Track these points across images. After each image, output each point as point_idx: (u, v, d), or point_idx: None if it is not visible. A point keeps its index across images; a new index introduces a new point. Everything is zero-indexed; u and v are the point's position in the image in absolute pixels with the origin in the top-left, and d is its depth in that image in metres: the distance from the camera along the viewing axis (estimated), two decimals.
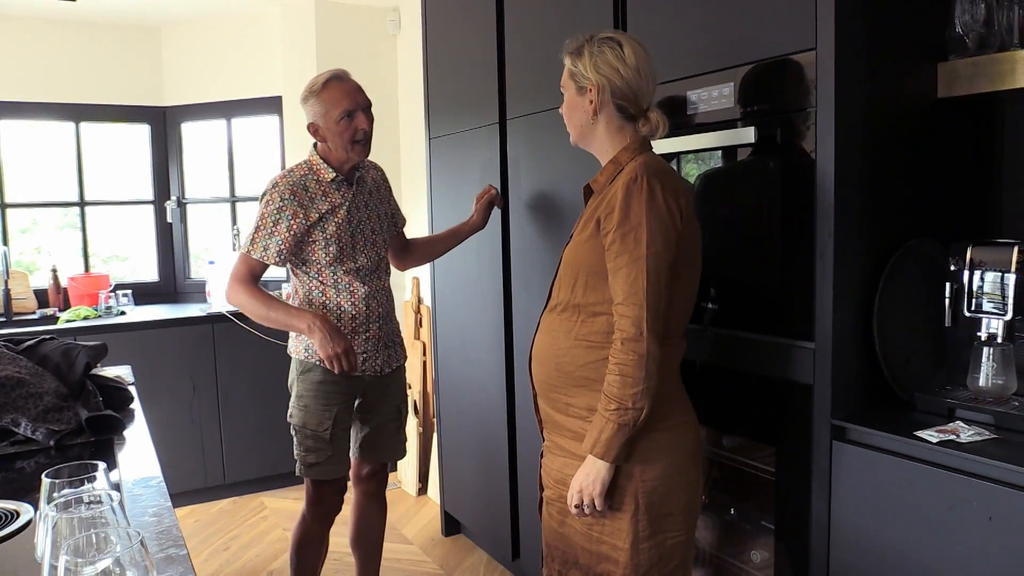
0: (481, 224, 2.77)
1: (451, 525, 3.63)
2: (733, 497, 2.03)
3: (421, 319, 4.16)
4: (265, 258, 2.37)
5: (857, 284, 1.71)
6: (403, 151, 4.41)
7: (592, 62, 1.75)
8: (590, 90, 1.76)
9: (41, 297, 4.37)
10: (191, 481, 4.07)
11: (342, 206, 2.40)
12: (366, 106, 2.39)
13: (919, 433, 1.54)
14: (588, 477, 1.69)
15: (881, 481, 1.60)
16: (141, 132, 4.72)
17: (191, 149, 4.78)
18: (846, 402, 1.70)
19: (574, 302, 1.77)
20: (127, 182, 4.76)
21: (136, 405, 2.14)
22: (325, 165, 2.40)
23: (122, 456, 1.73)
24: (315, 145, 2.44)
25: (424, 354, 4.08)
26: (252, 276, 2.40)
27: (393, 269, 2.79)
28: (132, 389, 2.27)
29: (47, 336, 2.13)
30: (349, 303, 2.42)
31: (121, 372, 2.50)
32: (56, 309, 4.28)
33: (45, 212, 4.65)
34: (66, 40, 4.44)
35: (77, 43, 4.47)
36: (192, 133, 4.76)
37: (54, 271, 4.37)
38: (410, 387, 4.21)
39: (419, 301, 4.18)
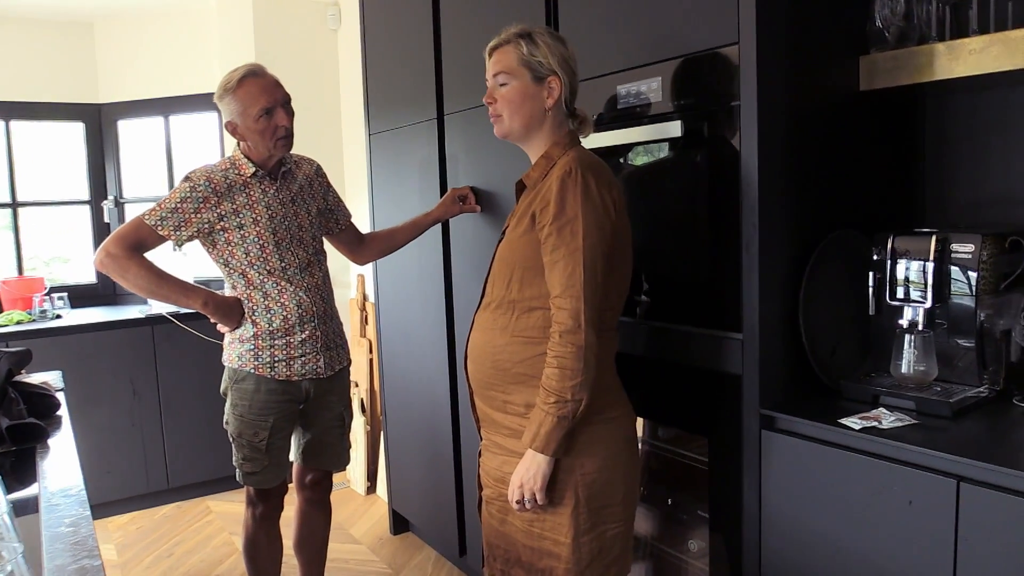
0: (442, 216, 2.69)
1: (399, 523, 3.61)
2: (670, 488, 2.04)
3: (367, 316, 4.12)
4: (160, 228, 2.25)
5: (783, 275, 1.73)
6: (345, 146, 4.36)
7: (552, 52, 1.72)
8: (550, 81, 1.73)
9: None
10: (133, 487, 3.99)
11: (261, 201, 2.34)
12: (285, 101, 2.32)
13: (843, 420, 1.57)
14: (528, 472, 1.69)
15: (808, 469, 1.62)
16: (76, 130, 4.59)
17: (128, 147, 4.66)
18: (774, 392, 1.72)
19: (509, 298, 1.76)
20: (62, 182, 4.63)
21: (63, 412, 2.09)
22: (246, 161, 2.35)
23: (45, 465, 1.68)
24: (238, 143, 2.38)
25: (371, 352, 4.04)
26: (140, 246, 2.26)
27: (350, 264, 2.75)
28: (61, 395, 2.22)
29: None
30: (277, 304, 2.36)
31: (49, 378, 2.44)
32: None
33: None
34: None
35: (7, 38, 4.33)
36: (129, 131, 4.65)
37: None
38: (357, 385, 4.18)
39: (364, 298, 4.14)
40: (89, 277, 4.68)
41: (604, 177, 1.69)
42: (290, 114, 2.33)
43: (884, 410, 1.61)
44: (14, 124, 4.43)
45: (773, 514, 1.71)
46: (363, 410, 4.10)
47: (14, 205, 4.47)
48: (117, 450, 3.92)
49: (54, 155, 4.61)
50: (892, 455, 1.48)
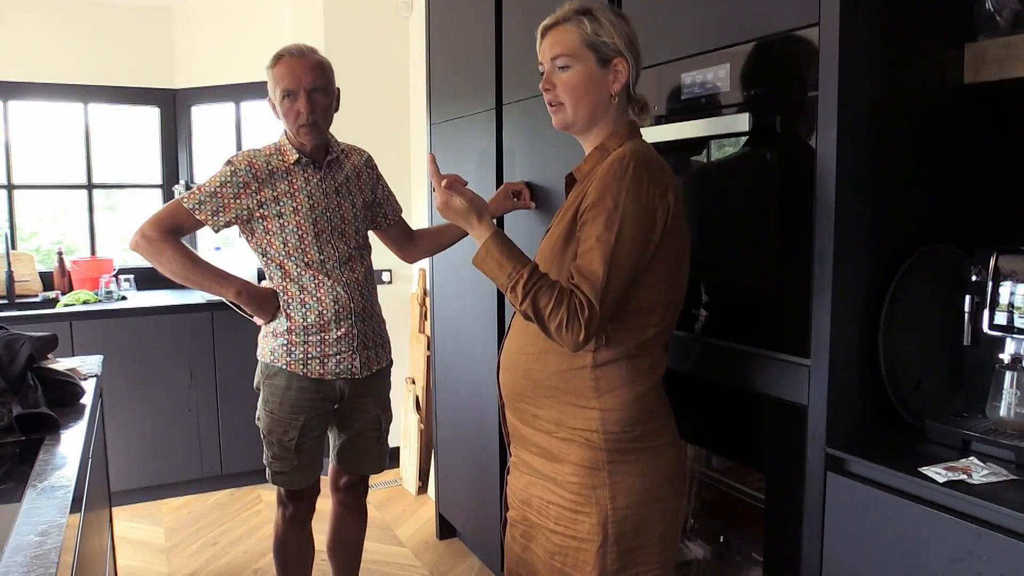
0: (493, 213, 2.47)
1: (446, 529, 3.47)
2: (723, 523, 1.84)
3: (427, 312, 3.99)
4: (198, 212, 2.17)
5: (861, 293, 1.50)
6: (413, 136, 4.24)
7: (617, 30, 1.53)
8: (617, 63, 1.54)
9: (48, 280, 4.31)
10: (187, 471, 3.98)
11: (303, 190, 2.23)
12: (312, 87, 2.18)
13: (924, 470, 1.33)
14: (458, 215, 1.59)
15: (879, 521, 1.39)
16: (150, 114, 4.62)
17: (200, 132, 4.67)
18: (845, 428, 1.49)
19: None
20: (135, 165, 4.67)
21: (87, 400, 2.02)
22: (290, 146, 2.24)
23: (45, 459, 1.59)
24: (285, 130, 2.28)
25: (428, 348, 3.92)
26: (176, 229, 2.19)
27: (400, 260, 2.65)
28: (91, 382, 2.15)
29: None
30: (313, 299, 2.24)
31: (87, 363, 2.39)
32: (59, 292, 4.21)
33: (81, 194, 4.56)
34: (76, 20, 4.35)
35: (87, 23, 4.38)
36: (201, 116, 4.65)
37: (59, 254, 4.29)
38: (413, 382, 4.07)
39: (424, 293, 4.03)
40: None
41: (659, 178, 1.48)
42: (314, 102, 2.18)
43: (976, 460, 1.36)
44: (91, 107, 4.48)
45: (835, 567, 1.48)
46: (417, 408, 3.98)
47: (89, 187, 4.52)
48: (173, 434, 3.92)
49: (126, 138, 4.64)
50: (983, 516, 1.24)
